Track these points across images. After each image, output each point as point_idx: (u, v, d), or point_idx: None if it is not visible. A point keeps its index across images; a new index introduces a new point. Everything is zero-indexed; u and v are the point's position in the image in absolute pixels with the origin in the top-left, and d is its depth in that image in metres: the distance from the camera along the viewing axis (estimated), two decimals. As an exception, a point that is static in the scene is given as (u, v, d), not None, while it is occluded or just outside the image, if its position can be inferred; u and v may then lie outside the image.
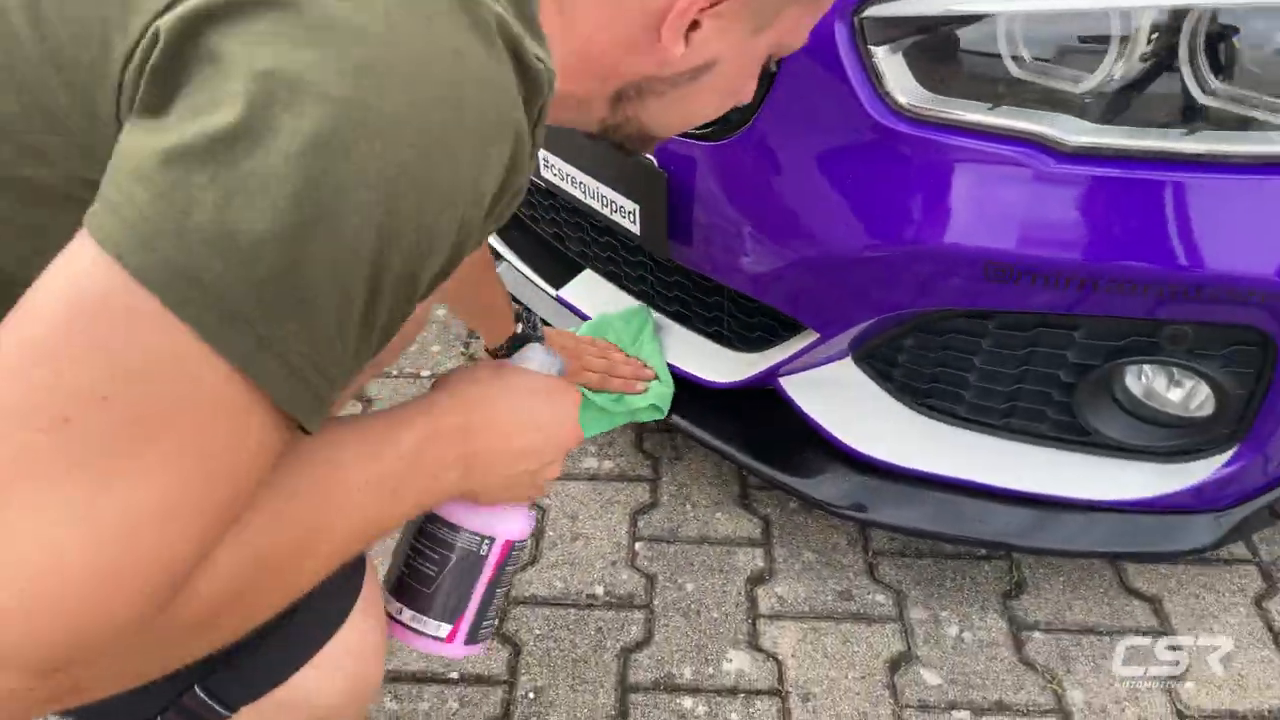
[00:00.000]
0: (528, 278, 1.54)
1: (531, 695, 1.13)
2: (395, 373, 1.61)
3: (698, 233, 1.15)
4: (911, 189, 0.96)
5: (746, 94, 0.65)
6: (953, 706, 1.11)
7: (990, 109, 0.92)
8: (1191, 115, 0.90)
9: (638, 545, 1.32)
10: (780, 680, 1.14)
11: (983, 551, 1.30)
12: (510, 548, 0.71)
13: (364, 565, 0.67)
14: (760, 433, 1.28)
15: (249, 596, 0.47)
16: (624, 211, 1.22)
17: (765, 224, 1.07)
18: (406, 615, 0.71)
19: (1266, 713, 1.10)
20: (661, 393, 1.28)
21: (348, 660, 0.64)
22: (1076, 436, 1.10)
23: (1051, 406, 1.09)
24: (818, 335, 1.13)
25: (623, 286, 1.46)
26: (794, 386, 1.22)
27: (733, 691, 1.13)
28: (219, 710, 0.61)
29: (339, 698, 0.65)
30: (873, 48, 0.94)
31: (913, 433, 1.17)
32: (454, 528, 0.69)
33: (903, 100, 0.94)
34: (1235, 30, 0.89)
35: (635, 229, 1.22)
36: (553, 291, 1.50)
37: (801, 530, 1.33)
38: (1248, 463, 1.05)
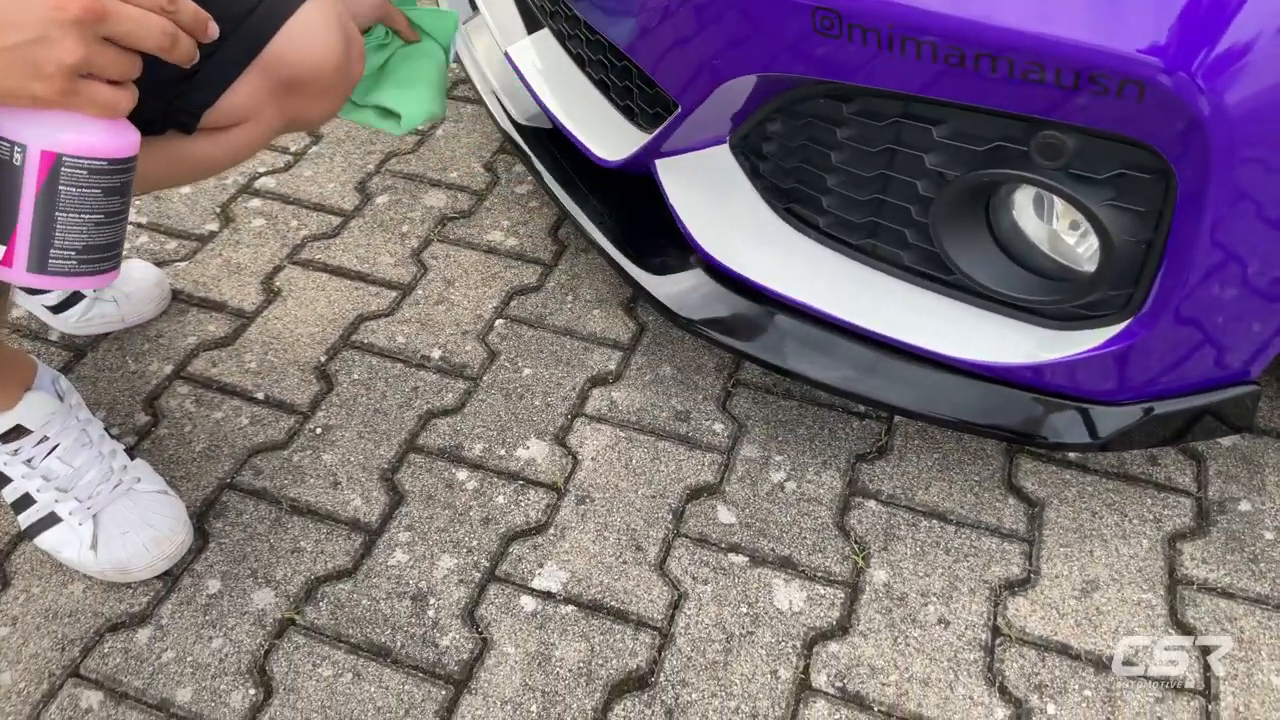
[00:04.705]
0: (490, 30, 1.42)
1: (319, 431, 1.10)
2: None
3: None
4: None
5: None
6: (733, 549, 0.98)
7: None
8: None
9: (498, 322, 1.23)
10: (567, 479, 1.05)
11: (861, 407, 1.12)
12: (55, 161, 0.62)
13: None
14: (635, 224, 1.14)
15: None
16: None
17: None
18: None
19: (1103, 658, 0.90)
20: (420, 104, 0.98)
21: None
22: (941, 274, 0.89)
23: (912, 229, 0.88)
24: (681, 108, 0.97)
25: (565, 49, 1.32)
26: (666, 170, 1.06)
27: (513, 476, 1.05)
28: None
29: None
30: None
31: (772, 243, 0.99)
32: None
33: None
34: None
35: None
36: (502, 47, 1.38)
37: (673, 344, 1.20)
38: (1144, 342, 0.81)
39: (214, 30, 0.67)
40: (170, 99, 0.84)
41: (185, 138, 0.86)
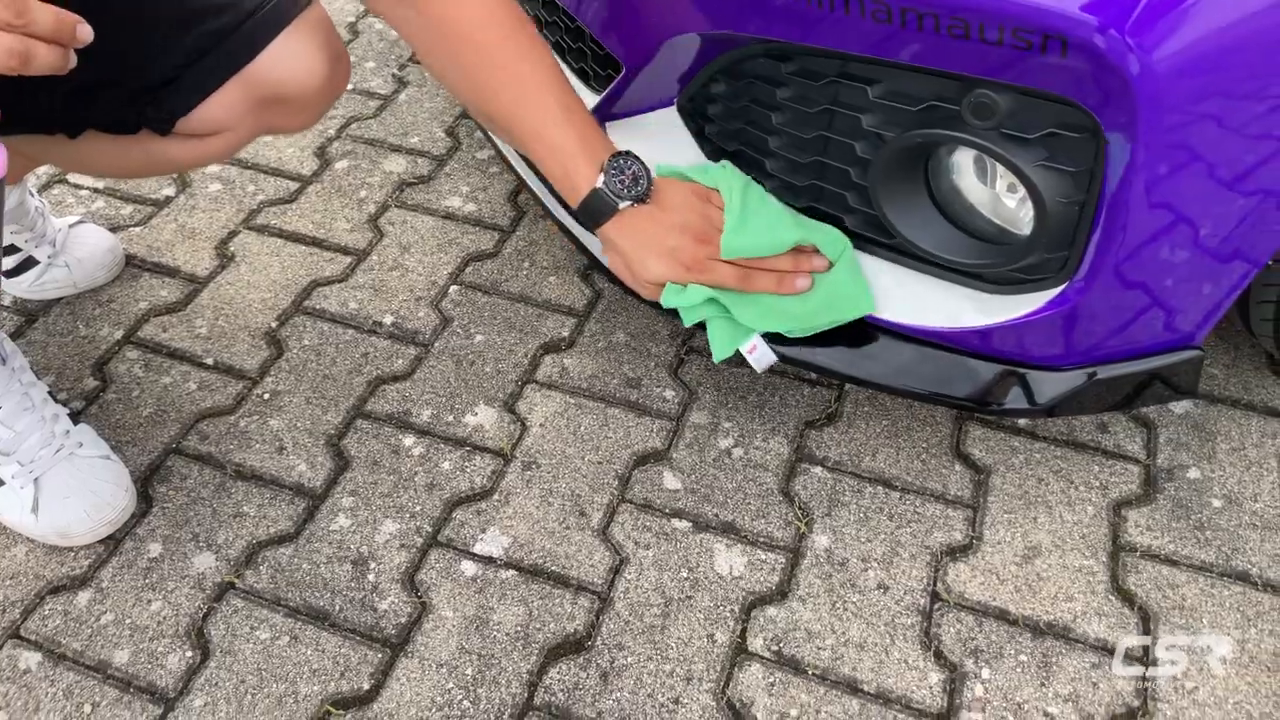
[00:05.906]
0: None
1: (267, 396, 1.09)
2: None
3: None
4: None
5: None
6: (676, 515, 0.98)
7: None
8: None
9: (452, 289, 1.22)
10: (514, 445, 1.04)
11: (812, 375, 1.11)
12: None
13: None
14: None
15: None
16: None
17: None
18: None
19: (1043, 625, 0.90)
20: (851, 287, 0.88)
21: None
22: (883, 238, 0.88)
23: (853, 192, 0.87)
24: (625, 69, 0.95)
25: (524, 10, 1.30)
26: (617, 132, 1.04)
27: (460, 443, 1.05)
28: None
29: None
30: None
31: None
32: None
33: None
34: None
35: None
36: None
37: (629, 312, 1.19)
38: (1081, 305, 0.80)
39: (85, 33, 0.59)
40: (144, 105, 0.84)
41: (159, 138, 0.88)
